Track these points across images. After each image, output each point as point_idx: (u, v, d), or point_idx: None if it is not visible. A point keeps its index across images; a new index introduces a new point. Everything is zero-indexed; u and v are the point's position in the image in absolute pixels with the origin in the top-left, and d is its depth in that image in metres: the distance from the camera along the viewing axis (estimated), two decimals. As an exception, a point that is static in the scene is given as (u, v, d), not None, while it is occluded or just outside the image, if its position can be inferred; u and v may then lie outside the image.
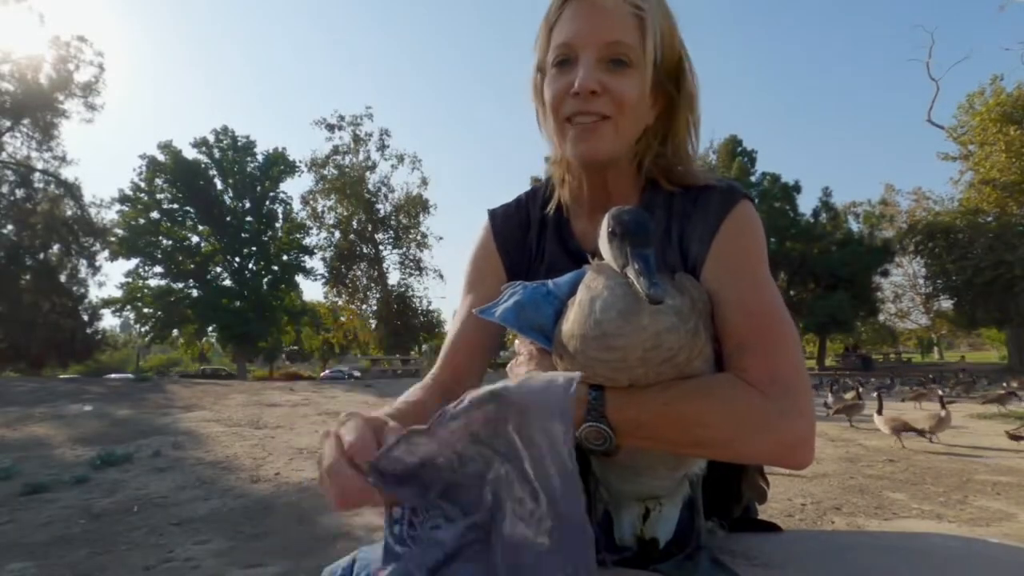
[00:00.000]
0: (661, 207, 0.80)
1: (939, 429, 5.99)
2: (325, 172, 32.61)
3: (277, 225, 34.98)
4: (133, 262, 30.61)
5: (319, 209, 32.97)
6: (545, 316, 0.64)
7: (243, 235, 33.33)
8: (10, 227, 24.54)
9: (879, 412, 6.92)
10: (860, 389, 10.79)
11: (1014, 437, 5.82)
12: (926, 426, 6.06)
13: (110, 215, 28.95)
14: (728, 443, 0.59)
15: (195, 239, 33.12)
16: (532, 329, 0.64)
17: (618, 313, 0.54)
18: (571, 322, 0.58)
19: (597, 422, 0.57)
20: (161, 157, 31.42)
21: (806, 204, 36.12)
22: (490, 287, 0.85)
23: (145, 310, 31.50)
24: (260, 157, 34.49)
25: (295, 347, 43.86)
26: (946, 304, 29.10)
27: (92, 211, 26.95)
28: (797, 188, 31.01)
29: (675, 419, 0.57)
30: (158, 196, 31.70)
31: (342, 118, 32.54)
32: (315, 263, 34.51)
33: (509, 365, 0.71)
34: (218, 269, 33.46)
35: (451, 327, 0.90)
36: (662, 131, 0.81)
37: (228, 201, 33.65)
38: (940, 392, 6.55)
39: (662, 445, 0.60)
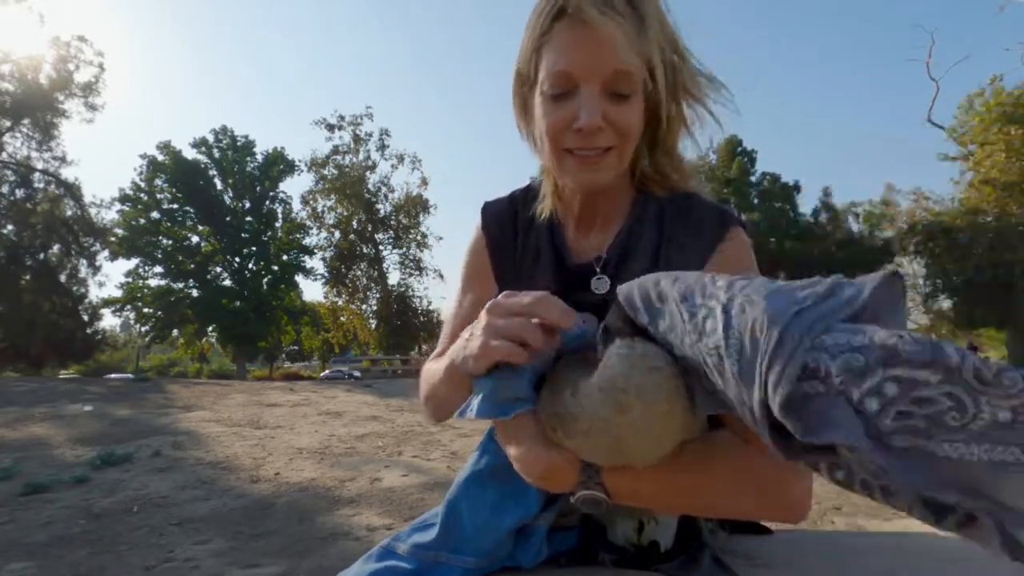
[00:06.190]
0: (651, 222, 0.77)
1: None
2: (325, 172, 32.56)
3: (277, 225, 34.98)
4: (133, 262, 30.59)
5: (319, 209, 32.89)
6: (522, 385, 0.60)
7: (243, 235, 33.31)
8: (10, 227, 24.50)
9: None
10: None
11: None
12: None
13: (110, 215, 28.90)
14: (727, 507, 0.60)
15: (195, 239, 33.10)
16: (510, 401, 0.59)
17: (639, 447, 0.51)
18: (583, 407, 0.52)
19: (593, 490, 0.56)
20: (161, 157, 31.41)
21: (806, 204, 36.09)
22: (484, 284, 0.85)
23: (145, 310, 31.48)
24: (260, 157, 34.48)
25: (295, 347, 43.85)
26: (946, 304, 29.06)
27: (92, 211, 26.88)
28: (797, 188, 31.01)
29: (674, 488, 0.57)
30: (158, 196, 31.68)
31: (342, 118, 32.49)
32: (315, 263, 34.51)
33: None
34: (218, 269, 33.45)
35: (448, 319, 0.89)
36: (650, 133, 0.76)
37: (228, 201, 33.63)
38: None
39: (660, 509, 0.62)
